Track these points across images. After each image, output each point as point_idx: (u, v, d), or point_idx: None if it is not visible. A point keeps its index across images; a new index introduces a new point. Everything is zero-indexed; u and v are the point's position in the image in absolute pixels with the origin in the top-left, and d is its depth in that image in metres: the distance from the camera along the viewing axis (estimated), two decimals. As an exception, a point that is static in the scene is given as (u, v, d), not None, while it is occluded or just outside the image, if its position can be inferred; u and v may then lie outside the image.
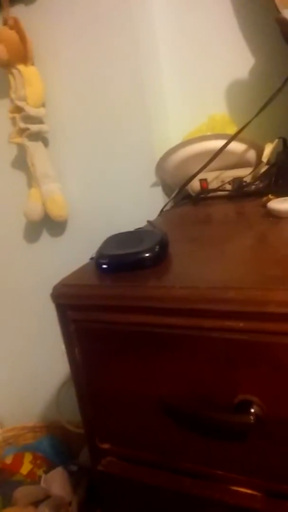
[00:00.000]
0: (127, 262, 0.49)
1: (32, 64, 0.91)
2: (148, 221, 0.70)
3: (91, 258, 0.54)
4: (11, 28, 0.88)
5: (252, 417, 0.39)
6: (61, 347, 0.53)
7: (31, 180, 0.99)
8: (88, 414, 0.52)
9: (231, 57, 0.86)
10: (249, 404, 0.39)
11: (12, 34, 0.88)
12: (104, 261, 0.50)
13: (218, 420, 0.42)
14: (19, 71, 0.89)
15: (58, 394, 1.10)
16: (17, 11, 0.89)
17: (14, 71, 0.90)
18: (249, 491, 0.44)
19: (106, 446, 0.52)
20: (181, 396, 0.44)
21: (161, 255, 0.49)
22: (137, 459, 0.51)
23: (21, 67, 0.89)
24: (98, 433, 0.53)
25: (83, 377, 0.50)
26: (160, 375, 0.44)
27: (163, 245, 0.50)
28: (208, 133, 0.80)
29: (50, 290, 0.50)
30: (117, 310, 0.45)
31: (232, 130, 0.81)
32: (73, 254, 1.05)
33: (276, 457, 0.41)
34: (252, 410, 0.39)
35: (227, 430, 0.43)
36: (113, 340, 0.46)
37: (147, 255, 0.48)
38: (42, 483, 0.98)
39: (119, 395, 0.48)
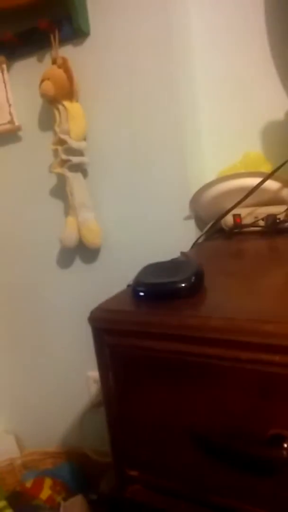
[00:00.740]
0: (163, 291, 0.50)
1: (77, 101, 0.97)
2: (182, 253, 0.72)
3: (128, 285, 0.56)
4: (59, 66, 0.94)
5: (285, 452, 0.39)
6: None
7: (69, 208, 1.03)
8: (118, 439, 0.53)
9: (268, 98, 0.90)
10: (282, 439, 0.40)
11: (60, 72, 0.94)
12: (141, 288, 0.51)
13: (249, 453, 0.42)
14: (64, 107, 0.95)
15: (81, 421, 1.10)
16: (66, 51, 0.96)
17: (59, 106, 0.95)
18: (278, 529, 0.44)
19: (134, 473, 0.52)
20: (213, 427, 0.44)
21: (197, 286, 0.51)
22: (164, 489, 0.51)
23: (66, 103, 0.95)
24: (127, 459, 0.53)
25: (115, 402, 0.51)
26: (193, 405, 0.45)
27: (199, 276, 0.52)
28: (243, 171, 0.82)
29: (80, 315, 0.52)
30: (153, 337, 0.46)
31: (266, 168, 0.83)
32: (104, 281, 1.08)
33: (308, 495, 0.41)
34: (285, 445, 0.39)
35: (258, 464, 0.42)
36: (147, 366, 0.47)
37: (183, 285, 0.49)
38: (61, 510, 0.97)
39: (150, 422, 0.49)
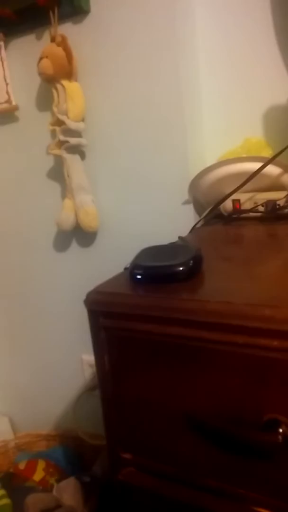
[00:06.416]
0: (161, 274, 0.50)
1: (76, 80, 0.95)
2: (180, 237, 0.71)
3: (125, 268, 0.55)
4: (58, 44, 0.92)
5: (280, 437, 0.39)
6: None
7: (66, 190, 1.02)
8: (112, 422, 0.53)
9: (270, 82, 0.88)
10: (278, 423, 0.39)
11: (59, 51, 0.91)
12: (138, 271, 0.51)
13: (244, 437, 0.42)
14: (63, 86, 0.93)
15: (75, 404, 1.10)
16: (65, 29, 0.93)
17: (58, 85, 0.93)
18: (270, 513, 0.44)
19: (127, 456, 0.52)
20: (208, 411, 0.44)
21: (195, 270, 0.50)
22: (158, 472, 0.51)
23: (65, 82, 0.93)
24: (121, 442, 0.53)
25: (110, 384, 0.51)
26: (188, 388, 0.45)
27: (197, 260, 0.51)
28: (244, 155, 0.81)
29: (76, 298, 0.51)
30: (149, 320, 0.45)
31: (267, 153, 0.82)
32: (101, 264, 1.08)
33: (301, 480, 0.41)
34: (281, 430, 0.39)
35: (253, 448, 0.42)
36: (143, 349, 0.47)
37: (181, 268, 0.49)
38: (54, 492, 0.98)
39: (145, 405, 0.49)
